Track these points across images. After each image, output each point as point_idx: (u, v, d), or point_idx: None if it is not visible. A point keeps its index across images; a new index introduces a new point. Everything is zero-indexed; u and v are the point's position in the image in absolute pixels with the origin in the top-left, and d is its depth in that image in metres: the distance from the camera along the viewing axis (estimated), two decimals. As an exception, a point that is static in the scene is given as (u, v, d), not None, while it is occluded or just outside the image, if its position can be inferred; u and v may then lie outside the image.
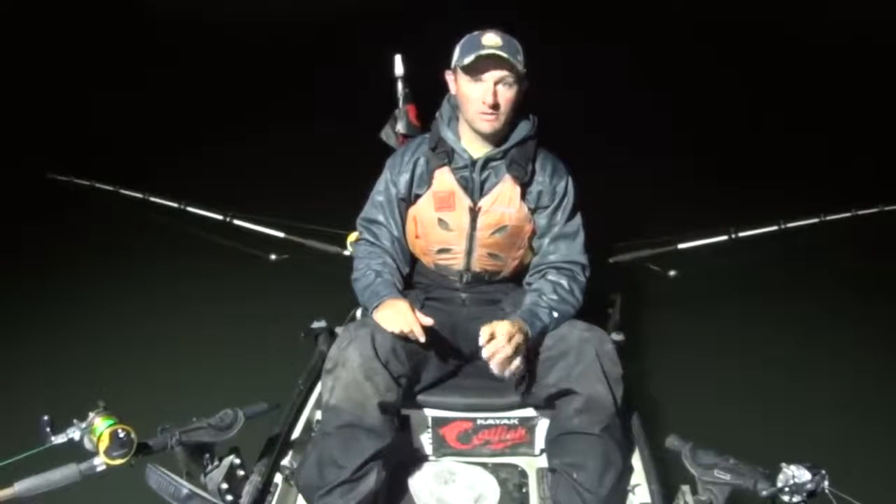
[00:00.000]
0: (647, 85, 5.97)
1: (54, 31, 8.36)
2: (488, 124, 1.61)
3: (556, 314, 1.62)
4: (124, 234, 3.57)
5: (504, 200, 1.69)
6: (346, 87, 5.77)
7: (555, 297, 1.65)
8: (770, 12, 8.53)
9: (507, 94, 1.59)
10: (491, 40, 1.56)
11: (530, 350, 1.55)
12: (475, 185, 1.69)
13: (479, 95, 1.58)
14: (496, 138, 1.67)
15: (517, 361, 1.48)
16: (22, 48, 7.43)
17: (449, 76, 1.69)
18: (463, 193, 1.69)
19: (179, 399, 2.29)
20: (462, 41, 1.62)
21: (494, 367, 1.45)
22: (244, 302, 3.06)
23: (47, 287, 3.24)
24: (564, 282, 1.69)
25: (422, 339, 1.52)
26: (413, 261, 1.83)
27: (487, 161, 1.68)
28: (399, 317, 1.53)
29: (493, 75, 1.57)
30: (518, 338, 1.47)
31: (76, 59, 7.04)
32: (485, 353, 1.44)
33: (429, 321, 1.54)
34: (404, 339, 1.54)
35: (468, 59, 1.55)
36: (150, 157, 4.65)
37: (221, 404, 1.44)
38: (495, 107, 1.58)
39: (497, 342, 1.43)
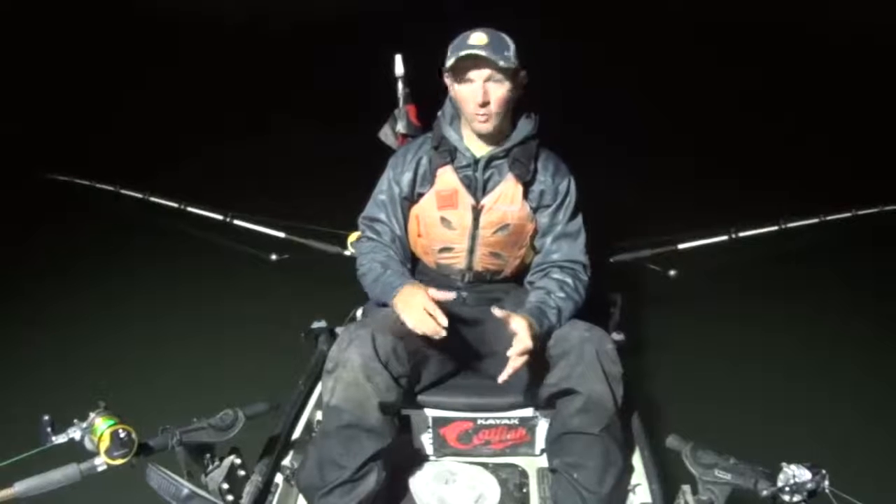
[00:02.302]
0: (647, 85, 5.96)
1: (54, 31, 8.35)
2: (482, 125, 1.61)
3: (563, 314, 1.62)
4: (124, 234, 3.56)
5: (506, 199, 1.68)
6: (346, 87, 5.77)
7: (562, 294, 1.65)
8: (770, 12, 8.52)
9: (497, 92, 1.58)
10: (477, 39, 1.55)
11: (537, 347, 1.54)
12: (478, 184, 1.69)
13: (471, 96, 1.58)
14: (496, 137, 1.67)
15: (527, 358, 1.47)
16: (21, 48, 7.42)
17: (447, 79, 1.68)
18: (466, 192, 1.69)
19: (179, 399, 2.29)
20: (453, 42, 1.61)
21: (516, 363, 1.43)
22: (244, 302, 3.06)
23: (47, 287, 3.24)
24: (569, 280, 1.69)
25: (444, 322, 1.48)
26: (414, 261, 1.83)
27: (490, 160, 1.68)
28: (421, 312, 1.49)
29: (479, 74, 1.56)
30: (535, 339, 1.47)
31: (76, 59, 7.03)
32: (513, 352, 1.42)
33: (444, 319, 1.50)
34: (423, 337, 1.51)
35: (450, 62, 1.56)
36: (150, 156, 4.64)
37: (221, 404, 1.44)
38: (486, 105, 1.57)
39: (525, 341, 1.42)
